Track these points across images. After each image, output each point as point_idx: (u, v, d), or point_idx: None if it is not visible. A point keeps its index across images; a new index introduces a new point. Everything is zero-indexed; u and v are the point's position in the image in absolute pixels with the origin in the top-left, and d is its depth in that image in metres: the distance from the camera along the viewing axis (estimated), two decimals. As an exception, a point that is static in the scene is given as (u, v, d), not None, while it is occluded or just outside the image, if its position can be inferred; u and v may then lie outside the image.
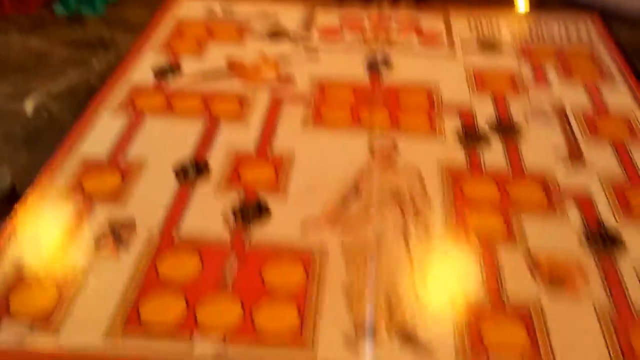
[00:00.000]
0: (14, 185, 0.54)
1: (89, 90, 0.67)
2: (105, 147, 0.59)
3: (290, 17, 0.83)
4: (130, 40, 0.76)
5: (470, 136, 0.62)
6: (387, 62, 0.74)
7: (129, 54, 0.73)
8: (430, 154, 0.59)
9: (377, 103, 0.66)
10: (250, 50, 0.75)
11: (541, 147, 0.60)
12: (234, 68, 0.72)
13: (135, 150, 0.59)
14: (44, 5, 0.84)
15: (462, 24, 0.82)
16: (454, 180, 0.56)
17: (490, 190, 0.55)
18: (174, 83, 0.69)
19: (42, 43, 0.76)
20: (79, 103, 0.65)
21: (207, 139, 0.61)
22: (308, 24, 0.82)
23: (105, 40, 0.77)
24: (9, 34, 0.78)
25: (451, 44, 0.78)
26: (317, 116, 0.64)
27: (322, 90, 0.68)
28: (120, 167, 0.56)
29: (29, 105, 0.65)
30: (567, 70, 0.72)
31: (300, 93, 0.68)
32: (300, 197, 0.54)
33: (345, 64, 0.73)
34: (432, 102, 0.67)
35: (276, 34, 0.79)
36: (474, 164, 0.58)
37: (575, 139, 0.61)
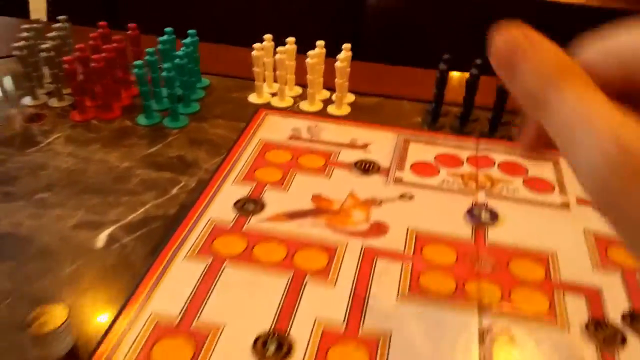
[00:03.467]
0: (74, 346, 0.48)
1: (165, 221, 0.62)
2: (179, 305, 0.52)
3: (381, 148, 0.77)
4: (211, 163, 0.72)
5: (600, 329, 0.52)
6: (491, 214, 0.66)
7: (210, 182, 0.69)
8: (552, 349, 0.50)
9: (484, 270, 0.58)
10: (338, 187, 0.69)
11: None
12: (321, 209, 0.65)
13: (211, 311, 0.52)
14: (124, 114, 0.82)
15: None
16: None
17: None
18: (256, 223, 0.63)
19: (123, 161, 0.72)
20: (155, 237, 0.60)
21: (290, 302, 0.53)
22: (401, 158, 0.75)
23: (187, 161, 0.73)
24: (89, 145, 0.75)
25: (564, 195, 0.70)
26: (415, 284, 0.56)
27: (420, 247, 0.60)
28: (193, 335, 0.50)
29: (101, 238, 0.60)
30: None
31: (395, 247, 0.60)
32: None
33: (443, 212, 0.66)
34: (548, 275, 0.58)
35: (367, 168, 0.73)
36: (610, 373, 0.48)
37: None
